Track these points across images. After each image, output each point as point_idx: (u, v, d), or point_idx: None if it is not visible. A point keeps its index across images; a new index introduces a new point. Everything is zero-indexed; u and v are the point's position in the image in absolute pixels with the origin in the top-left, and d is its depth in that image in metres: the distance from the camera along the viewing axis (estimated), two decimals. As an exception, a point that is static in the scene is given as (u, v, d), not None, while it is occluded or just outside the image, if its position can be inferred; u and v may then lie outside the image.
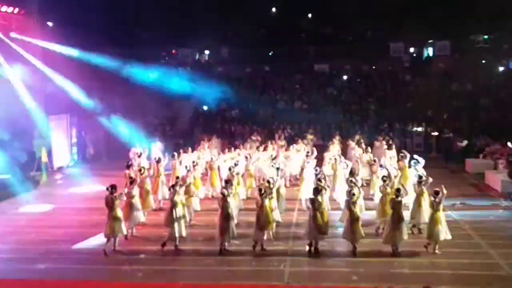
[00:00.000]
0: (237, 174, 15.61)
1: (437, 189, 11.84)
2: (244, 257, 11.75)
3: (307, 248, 11.95)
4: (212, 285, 10.54)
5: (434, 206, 11.73)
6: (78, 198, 18.14)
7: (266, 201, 12.18)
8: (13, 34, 20.88)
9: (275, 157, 18.15)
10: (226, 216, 11.91)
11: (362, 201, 13.70)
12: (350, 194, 12.15)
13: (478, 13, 31.23)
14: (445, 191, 11.76)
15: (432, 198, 11.87)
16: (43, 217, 15.60)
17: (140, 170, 15.03)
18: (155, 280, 10.74)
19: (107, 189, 12.23)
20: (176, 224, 12.13)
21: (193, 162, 16.39)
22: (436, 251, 11.68)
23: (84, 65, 25.23)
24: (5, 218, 15.51)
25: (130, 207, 13.09)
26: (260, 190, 12.34)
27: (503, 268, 10.94)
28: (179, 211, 12.28)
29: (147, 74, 29.55)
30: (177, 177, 14.08)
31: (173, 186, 12.76)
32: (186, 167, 15.72)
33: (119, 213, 12.23)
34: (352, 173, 14.66)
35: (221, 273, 11.04)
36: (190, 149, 20.00)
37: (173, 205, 12.28)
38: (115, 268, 11.33)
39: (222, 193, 12.23)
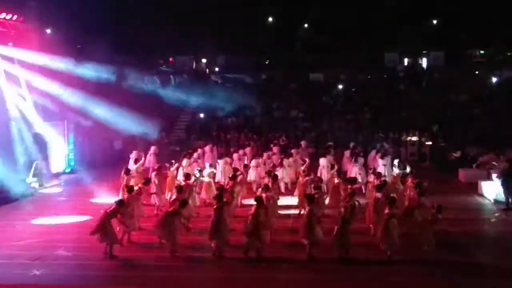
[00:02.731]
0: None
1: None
2: (240, 264, 11.81)
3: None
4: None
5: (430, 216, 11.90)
6: (74, 204, 18.16)
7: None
8: (10, 43, 20.97)
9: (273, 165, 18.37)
10: (220, 222, 12.01)
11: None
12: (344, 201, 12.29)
13: (472, 24, 31.65)
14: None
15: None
16: (39, 223, 15.58)
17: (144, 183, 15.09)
18: (152, 287, 10.78)
19: (115, 203, 12.44)
20: (178, 233, 12.25)
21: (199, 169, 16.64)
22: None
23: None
24: (1, 223, 15.49)
25: (124, 215, 13.12)
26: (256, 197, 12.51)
27: (495, 277, 11.05)
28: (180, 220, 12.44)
29: (143, 82, 29.71)
30: (177, 186, 14.16)
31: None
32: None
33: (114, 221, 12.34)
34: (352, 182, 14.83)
35: (216, 280, 11.10)
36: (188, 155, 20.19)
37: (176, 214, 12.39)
38: (111, 274, 11.36)
39: (216, 199, 12.36)
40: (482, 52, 34.76)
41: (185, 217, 13.58)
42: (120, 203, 12.57)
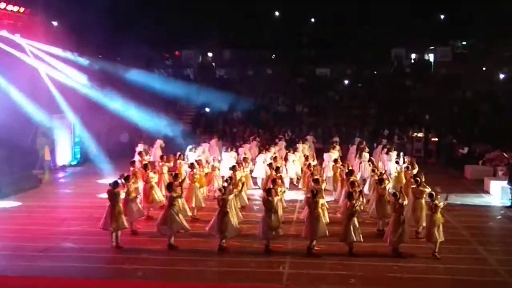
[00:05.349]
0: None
1: (432, 192, 12.08)
2: (244, 258, 11.82)
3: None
4: (212, 286, 10.59)
5: (432, 208, 11.85)
6: (80, 196, 18.26)
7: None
8: (17, 35, 21.03)
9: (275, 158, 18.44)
10: (224, 214, 12.03)
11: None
12: (349, 196, 12.26)
13: (478, 20, 31.41)
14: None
15: (429, 200, 12.04)
16: (44, 215, 15.66)
17: (145, 166, 15.27)
18: (155, 280, 10.77)
19: (110, 185, 12.39)
20: (174, 221, 12.22)
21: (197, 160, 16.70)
22: (436, 254, 11.77)
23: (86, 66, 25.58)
24: (6, 215, 15.59)
25: (128, 203, 13.13)
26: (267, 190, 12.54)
27: (500, 274, 11.04)
28: (177, 208, 12.41)
29: (150, 76, 29.73)
30: (175, 175, 14.23)
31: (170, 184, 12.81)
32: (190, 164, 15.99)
33: (121, 208, 12.35)
34: (352, 174, 14.86)
35: (221, 274, 11.12)
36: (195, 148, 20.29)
37: (171, 203, 12.36)
38: (115, 266, 11.39)
39: (220, 190, 12.40)
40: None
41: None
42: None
